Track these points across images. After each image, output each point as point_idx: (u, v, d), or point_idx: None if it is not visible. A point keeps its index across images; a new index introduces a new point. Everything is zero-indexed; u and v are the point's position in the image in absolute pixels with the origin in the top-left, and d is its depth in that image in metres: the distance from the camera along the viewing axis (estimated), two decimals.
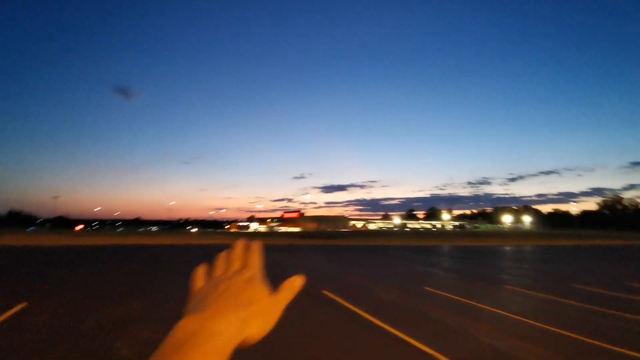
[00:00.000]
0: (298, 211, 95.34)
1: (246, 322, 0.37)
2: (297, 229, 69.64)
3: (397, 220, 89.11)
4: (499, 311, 6.03)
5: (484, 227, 77.96)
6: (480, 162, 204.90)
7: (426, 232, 55.07)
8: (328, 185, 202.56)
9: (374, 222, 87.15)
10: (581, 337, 4.73)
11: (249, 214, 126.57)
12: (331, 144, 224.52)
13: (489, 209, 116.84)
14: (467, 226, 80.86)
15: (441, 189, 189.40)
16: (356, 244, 25.40)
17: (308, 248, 20.27)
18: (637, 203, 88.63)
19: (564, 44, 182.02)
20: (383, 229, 73.22)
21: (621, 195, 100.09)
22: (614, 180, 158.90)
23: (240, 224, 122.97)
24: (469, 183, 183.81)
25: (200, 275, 0.44)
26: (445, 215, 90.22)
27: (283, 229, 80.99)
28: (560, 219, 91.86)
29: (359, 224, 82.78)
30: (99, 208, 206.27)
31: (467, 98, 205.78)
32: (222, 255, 0.46)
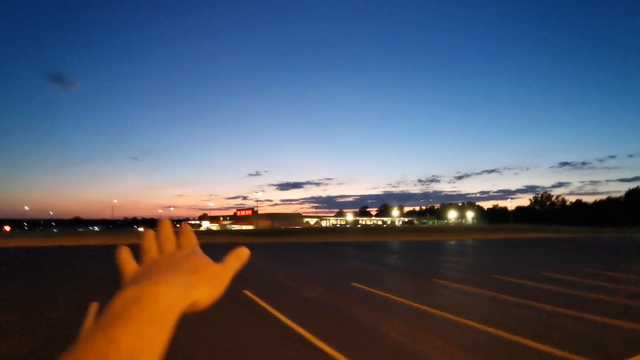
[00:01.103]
0: (252, 209, 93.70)
1: (192, 287, 0.36)
2: (250, 227, 68.32)
3: (349, 217, 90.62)
4: (417, 305, 6.08)
5: (430, 222, 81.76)
6: (431, 161, 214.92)
7: (376, 228, 56.48)
8: (284, 182, 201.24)
9: (328, 219, 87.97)
10: (484, 328, 4.86)
11: (202, 212, 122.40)
12: (287, 141, 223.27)
13: (437, 206, 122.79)
14: (416, 222, 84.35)
15: (394, 187, 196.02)
16: (306, 240, 25.27)
17: (253, 246, 19.75)
18: (563, 199, 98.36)
19: (505, 53, 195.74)
20: (336, 226, 74.06)
21: (550, 193, 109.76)
22: (545, 179, 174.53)
23: (192, 222, 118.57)
24: (420, 181, 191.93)
25: (127, 258, 0.41)
26: (395, 212, 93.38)
27: (236, 227, 79.15)
28: (498, 214, 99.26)
29: (313, 221, 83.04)
30: (27, 208, 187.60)
31: (420, 100, 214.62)
32: (150, 236, 0.43)
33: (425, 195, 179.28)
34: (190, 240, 0.44)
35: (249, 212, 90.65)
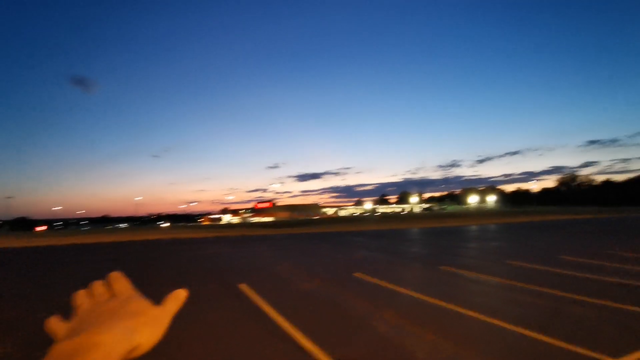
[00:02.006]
0: (271, 201, 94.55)
1: (133, 332, 0.36)
2: (269, 219, 69.02)
3: (368, 205, 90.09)
4: (416, 295, 5.82)
5: (450, 208, 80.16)
6: (450, 146, 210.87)
7: (394, 216, 55.87)
8: (302, 173, 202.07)
9: (346, 209, 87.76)
10: (482, 317, 4.57)
11: (223, 206, 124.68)
12: (304, 133, 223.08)
13: (458, 191, 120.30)
14: (435, 208, 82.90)
15: (413, 173, 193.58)
16: (321, 231, 25.15)
17: (266, 237, 19.80)
18: (590, 180, 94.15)
19: (525, 32, 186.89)
20: (354, 215, 73.77)
21: (576, 173, 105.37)
22: (572, 159, 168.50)
23: (213, 216, 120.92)
24: (440, 166, 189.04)
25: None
26: (414, 199, 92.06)
27: (256, 219, 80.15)
28: (521, 197, 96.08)
29: (331, 211, 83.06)
30: (60, 207, 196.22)
31: (438, 84, 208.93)
32: (81, 293, 0.43)
33: (446, 181, 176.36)
34: (124, 285, 0.44)
35: (268, 205, 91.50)
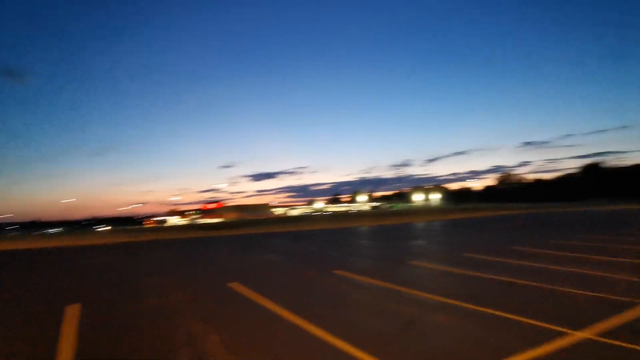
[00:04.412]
0: (220, 201, 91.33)
1: None
2: (217, 220, 66.26)
3: (318, 204, 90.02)
4: (280, 311, 4.97)
5: (398, 206, 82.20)
6: (402, 146, 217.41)
7: (343, 215, 55.91)
8: (257, 173, 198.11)
9: (297, 208, 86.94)
10: (341, 345, 3.79)
11: (171, 208, 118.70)
12: (259, 132, 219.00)
13: (407, 189, 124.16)
14: (384, 206, 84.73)
15: (367, 172, 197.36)
16: (257, 232, 23.86)
17: (185, 241, 18.24)
18: (523, 178, 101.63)
19: (468, 36, 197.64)
20: (304, 215, 73.15)
21: (513, 172, 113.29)
22: (510, 159, 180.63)
23: (158, 218, 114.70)
24: (393, 166, 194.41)
25: None
26: (362, 197, 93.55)
27: (203, 220, 76.81)
28: (465, 194, 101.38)
29: (281, 211, 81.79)
30: None
31: (390, 85, 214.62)
32: None
33: (398, 180, 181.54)
34: None
35: (216, 205, 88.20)
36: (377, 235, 17.48)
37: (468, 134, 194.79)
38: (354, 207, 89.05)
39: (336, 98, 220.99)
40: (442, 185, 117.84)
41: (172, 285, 7.03)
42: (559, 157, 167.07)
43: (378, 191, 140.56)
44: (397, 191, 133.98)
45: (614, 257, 8.20)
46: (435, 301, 5.23)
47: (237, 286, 6.63)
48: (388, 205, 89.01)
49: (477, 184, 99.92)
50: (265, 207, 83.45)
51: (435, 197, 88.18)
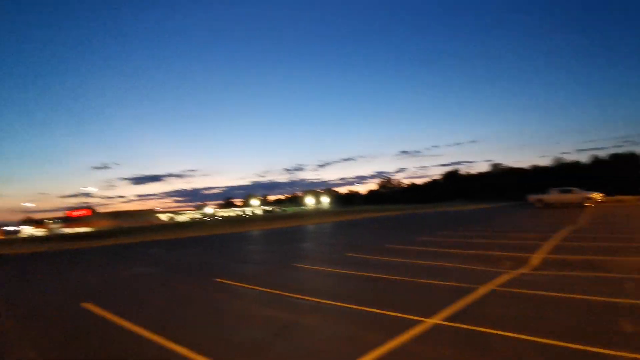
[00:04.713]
0: (90, 208, 79.29)
1: None
2: (87, 229, 57.08)
3: (208, 209, 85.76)
4: (121, 324, 4.33)
5: (290, 210, 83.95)
6: (296, 150, 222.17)
7: (237, 219, 54.26)
8: (139, 175, 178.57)
9: (185, 213, 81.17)
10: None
11: (26, 216, 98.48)
12: (141, 131, 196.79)
13: (300, 193, 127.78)
14: (276, 210, 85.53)
15: (261, 176, 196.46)
16: (131, 241, 21.21)
17: (47, 255, 15.10)
18: (400, 183, 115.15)
19: (358, 44, 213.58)
20: (193, 220, 68.67)
21: (393, 177, 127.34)
22: (390, 165, 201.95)
23: (9, 228, 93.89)
24: (286, 170, 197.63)
25: None
26: (256, 202, 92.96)
27: (69, 230, 65.37)
28: (352, 198, 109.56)
29: (168, 217, 75.26)
30: None
31: (283, 89, 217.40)
32: None
33: (292, 184, 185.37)
34: None
35: (85, 212, 76.25)
36: (266, 239, 17.32)
37: (356, 141, 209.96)
38: (247, 212, 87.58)
39: (230, 100, 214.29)
40: (332, 189, 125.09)
41: (12, 309, 5.62)
42: (428, 164, 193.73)
43: (272, 195, 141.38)
44: (291, 195, 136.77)
45: (464, 250, 9.63)
46: (312, 302, 5.29)
47: (92, 307, 5.64)
48: (281, 209, 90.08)
49: (362, 188, 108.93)
50: (149, 213, 75.52)
51: (326, 201, 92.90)
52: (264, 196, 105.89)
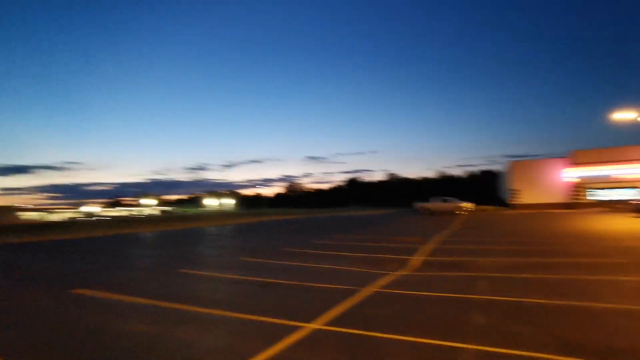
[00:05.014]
0: None
1: None
2: None
3: (92, 208, 75.37)
4: None
5: (190, 211, 78.96)
6: (200, 149, 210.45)
7: (125, 220, 48.53)
8: (2, 166, 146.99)
9: (59, 212, 69.68)
10: None
11: None
12: (5, 113, 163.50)
13: (203, 194, 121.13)
14: (175, 211, 79.52)
15: (160, 174, 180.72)
16: None
17: None
18: (305, 187, 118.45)
19: (269, 47, 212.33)
20: (70, 220, 59.33)
21: (299, 181, 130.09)
22: (297, 169, 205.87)
23: None
24: (189, 168, 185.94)
25: None
26: (152, 201, 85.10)
27: None
28: (257, 200, 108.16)
29: (36, 215, 63.57)
30: None
31: (186, 84, 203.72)
32: None
33: (195, 184, 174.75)
34: None
35: None
36: (156, 241, 15.75)
37: (264, 144, 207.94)
38: (141, 212, 79.40)
39: (125, 90, 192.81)
40: (237, 191, 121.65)
41: None
42: (332, 171, 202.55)
43: (171, 194, 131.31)
44: (192, 195, 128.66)
45: (355, 253, 10.04)
46: (189, 312, 4.80)
47: None
48: (180, 209, 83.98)
49: (268, 191, 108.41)
50: (8, 210, 62.54)
51: (229, 202, 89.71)
52: (163, 195, 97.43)
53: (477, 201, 38.86)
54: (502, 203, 42.85)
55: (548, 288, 5.66)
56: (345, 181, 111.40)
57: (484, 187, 67.39)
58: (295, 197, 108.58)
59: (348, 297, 5.30)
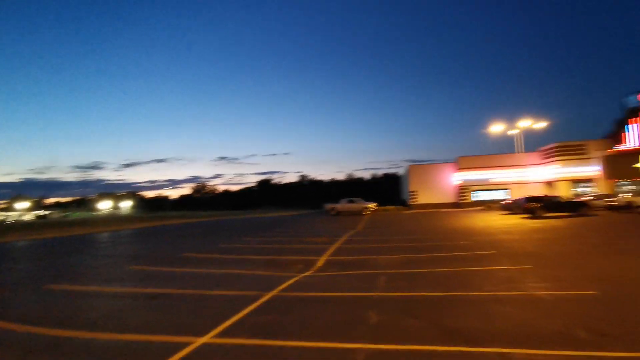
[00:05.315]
0: None
1: None
2: None
3: None
4: None
5: (76, 215, 68.80)
6: (93, 146, 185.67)
7: None
8: None
9: None
10: None
11: None
12: None
13: (95, 196, 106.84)
14: (56, 215, 68.61)
15: (40, 173, 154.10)
16: None
17: None
18: (215, 189, 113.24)
19: (179, 49, 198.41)
20: None
21: (208, 183, 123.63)
22: (207, 170, 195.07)
23: None
24: (78, 167, 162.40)
25: None
26: (25, 204, 72.14)
27: None
28: (160, 203, 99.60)
29: None
30: None
31: (74, 73, 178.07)
32: None
33: (84, 184, 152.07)
34: None
35: None
36: (26, 252, 13.17)
37: (169, 143, 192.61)
38: (9, 216, 66.48)
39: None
40: (137, 193, 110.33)
41: None
42: (245, 172, 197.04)
43: (54, 197, 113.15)
44: (81, 197, 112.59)
45: (261, 256, 9.73)
46: (49, 338, 3.96)
47: None
48: (63, 213, 72.75)
49: (173, 193, 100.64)
50: None
51: (127, 205, 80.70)
52: (42, 198, 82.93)
53: (380, 202, 41.71)
54: (403, 203, 46.73)
55: (435, 281, 6.15)
56: (257, 182, 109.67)
57: (387, 188, 72.88)
58: (203, 199, 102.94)
59: (248, 304, 5.01)
